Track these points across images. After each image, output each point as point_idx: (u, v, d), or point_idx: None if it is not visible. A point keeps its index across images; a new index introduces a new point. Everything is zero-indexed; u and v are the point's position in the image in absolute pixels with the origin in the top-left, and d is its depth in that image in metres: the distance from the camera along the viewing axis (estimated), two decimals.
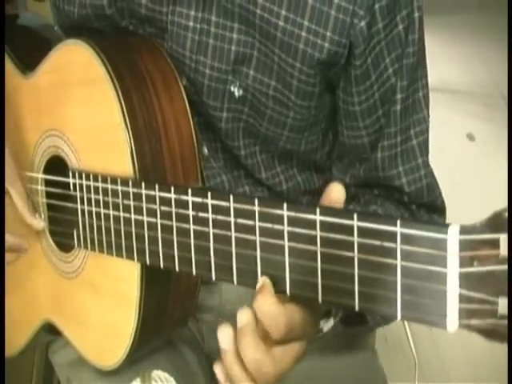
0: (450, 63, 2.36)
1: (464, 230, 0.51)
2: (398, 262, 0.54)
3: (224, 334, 0.65)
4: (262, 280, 0.62)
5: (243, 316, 0.64)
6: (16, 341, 0.96)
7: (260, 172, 0.90)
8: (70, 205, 0.83)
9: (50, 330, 0.92)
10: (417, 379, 0.93)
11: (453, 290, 0.51)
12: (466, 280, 0.51)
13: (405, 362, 0.88)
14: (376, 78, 0.83)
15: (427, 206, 0.89)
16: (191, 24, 0.82)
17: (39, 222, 0.88)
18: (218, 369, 0.67)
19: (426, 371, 0.89)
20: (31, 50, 0.92)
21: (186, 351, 0.95)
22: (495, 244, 0.50)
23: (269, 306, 0.61)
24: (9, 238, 0.88)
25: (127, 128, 0.76)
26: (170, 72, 0.82)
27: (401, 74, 0.83)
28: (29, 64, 0.90)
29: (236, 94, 0.83)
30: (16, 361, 0.97)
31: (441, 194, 0.90)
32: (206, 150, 0.88)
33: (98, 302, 0.83)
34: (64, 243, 0.86)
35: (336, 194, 0.62)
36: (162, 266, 0.73)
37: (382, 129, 0.86)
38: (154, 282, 0.78)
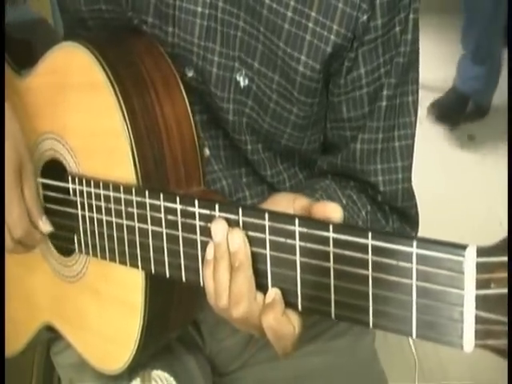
0: (450, 63, 2.36)
1: (481, 252, 0.51)
2: (414, 282, 0.54)
3: (218, 227, 0.65)
4: (274, 294, 0.62)
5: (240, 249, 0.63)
6: (15, 342, 0.95)
7: (265, 169, 0.89)
8: (69, 210, 0.82)
9: (50, 328, 0.92)
10: (417, 379, 0.94)
11: (469, 311, 0.52)
12: (482, 302, 0.51)
13: (405, 362, 0.88)
14: (366, 73, 0.83)
15: (400, 213, 0.90)
16: (199, 9, 0.81)
17: (46, 225, 0.84)
18: (209, 247, 0.66)
19: (425, 371, 0.90)
20: (25, 49, 0.90)
21: (185, 355, 0.95)
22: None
23: (278, 324, 0.61)
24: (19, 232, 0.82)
25: (129, 134, 0.75)
26: (171, 74, 0.81)
27: (390, 71, 0.84)
28: (23, 63, 0.88)
29: (241, 83, 0.83)
30: (16, 360, 0.97)
31: (416, 206, 0.91)
32: (207, 152, 0.87)
33: (100, 308, 0.82)
34: (64, 247, 0.85)
35: (334, 213, 0.61)
36: (167, 275, 0.72)
37: (365, 125, 0.86)
38: (159, 287, 0.78)
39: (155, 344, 0.85)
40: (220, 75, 0.83)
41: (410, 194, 0.89)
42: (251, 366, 0.98)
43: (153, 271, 0.74)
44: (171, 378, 0.91)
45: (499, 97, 2.39)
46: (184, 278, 0.71)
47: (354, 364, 0.94)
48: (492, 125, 2.37)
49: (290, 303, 0.62)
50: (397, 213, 0.90)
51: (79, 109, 0.80)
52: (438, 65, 2.50)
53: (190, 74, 0.83)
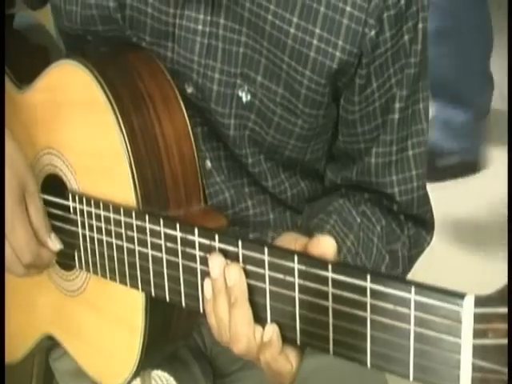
0: None
1: (479, 302, 0.51)
2: (412, 328, 0.54)
3: (215, 263, 0.65)
4: (271, 333, 0.62)
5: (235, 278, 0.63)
6: (16, 350, 0.96)
7: (266, 180, 0.89)
8: (70, 227, 0.82)
9: (51, 337, 0.93)
10: None
11: (466, 359, 0.52)
12: (479, 350, 0.51)
13: None
14: (378, 87, 0.82)
15: (415, 219, 0.90)
16: (200, 28, 0.80)
17: (55, 243, 0.82)
18: (207, 284, 0.66)
19: None
20: (26, 62, 0.90)
21: (187, 356, 0.96)
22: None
23: (275, 362, 0.62)
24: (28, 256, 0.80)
25: (128, 155, 0.75)
26: (170, 90, 0.81)
27: (401, 84, 0.83)
28: (23, 77, 0.87)
29: (244, 99, 0.82)
30: (15, 365, 0.98)
31: (431, 210, 0.91)
32: (209, 164, 0.87)
33: (100, 324, 0.83)
34: (65, 262, 0.85)
35: (329, 247, 0.61)
36: (167, 299, 0.73)
37: (378, 137, 0.85)
38: (159, 306, 0.78)
39: (156, 357, 0.86)
40: (221, 92, 0.82)
41: (425, 200, 0.89)
42: (251, 367, 0.99)
43: (153, 294, 0.74)
44: (171, 378, 0.92)
45: (498, 96, 2.37)
46: (184, 304, 0.71)
47: (355, 364, 0.94)
48: (492, 125, 2.35)
49: (288, 337, 0.63)
50: (412, 220, 0.90)
51: (79, 127, 0.80)
52: None
53: (190, 90, 0.83)
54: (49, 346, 0.99)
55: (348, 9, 0.77)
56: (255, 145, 0.86)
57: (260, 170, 0.88)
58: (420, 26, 0.81)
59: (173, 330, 0.82)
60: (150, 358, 0.82)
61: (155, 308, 0.78)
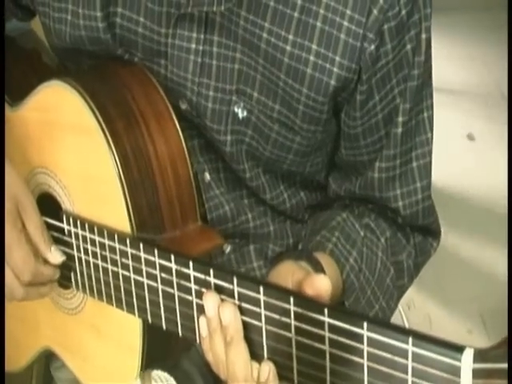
0: (450, 63, 2.29)
1: (478, 357, 0.50)
2: (410, 378, 0.53)
3: (209, 302, 0.64)
4: (268, 373, 0.62)
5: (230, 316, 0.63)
6: (15, 361, 0.96)
7: (265, 193, 0.87)
8: (65, 248, 0.81)
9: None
10: None
11: None
12: None
13: None
14: (380, 99, 0.79)
15: (421, 229, 0.88)
16: (193, 46, 0.78)
17: (56, 256, 0.79)
18: (202, 322, 0.66)
19: None
20: (18, 75, 0.88)
21: (187, 364, 0.96)
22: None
23: None
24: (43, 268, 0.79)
25: (122, 183, 0.73)
26: (163, 106, 0.79)
27: (404, 96, 0.80)
28: (15, 91, 0.85)
29: (240, 115, 0.80)
30: (14, 373, 0.98)
31: (437, 219, 0.89)
32: (208, 177, 0.85)
33: (100, 344, 0.82)
34: (62, 281, 0.85)
35: (323, 286, 0.61)
36: (164, 328, 0.72)
37: (382, 149, 0.83)
38: (157, 329, 0.77)
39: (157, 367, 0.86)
40: (216, 109, 0.80)
41: (430, 211, 0.87)
42: None
43: (150, 321, 0.73)
44: (171, 378, 0.92)
45: (499, 96, 2.33)
46: (180, 334, 0.70)
47: None
48: (492, 125, 2.32)
49: (286, 377, 0.62)
50: (418, 230, 0.88)
51: (72, 150, 0.78)
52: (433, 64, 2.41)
53: (184, 106, 0.81)
54: (49, 353, 0.99)
55: (345, 23, 0.74)
56: (253, 159, 0.84)
57: (258, 184, 0.86)
58: (423, 36, 0.78)
59: (172, 347, 0.82)
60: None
61: (153, 328, 0.77)
